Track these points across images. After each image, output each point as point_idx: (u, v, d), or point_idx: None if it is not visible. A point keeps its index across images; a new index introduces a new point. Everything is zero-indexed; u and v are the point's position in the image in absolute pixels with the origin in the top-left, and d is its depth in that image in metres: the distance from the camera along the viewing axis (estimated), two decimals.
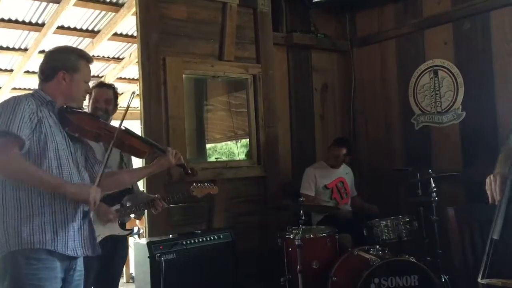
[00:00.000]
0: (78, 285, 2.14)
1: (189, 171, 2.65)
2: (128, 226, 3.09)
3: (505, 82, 3.99)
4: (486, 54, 4.09)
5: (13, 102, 2.00)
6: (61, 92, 2.15)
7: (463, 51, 4.26)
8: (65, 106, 2.17)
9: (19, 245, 1.92)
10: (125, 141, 2.29)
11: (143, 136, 2.76)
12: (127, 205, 2.95)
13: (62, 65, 2.14)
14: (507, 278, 2.00)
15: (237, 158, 4.81)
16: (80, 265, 2.14)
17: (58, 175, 2.04)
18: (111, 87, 3.12)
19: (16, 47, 5.88)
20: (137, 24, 3.86)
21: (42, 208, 1.98)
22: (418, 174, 3.89)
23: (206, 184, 3.19)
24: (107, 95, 3.02)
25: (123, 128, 2.27)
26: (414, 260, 3.29)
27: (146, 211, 3.24)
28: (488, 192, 2.14)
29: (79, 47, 5.97)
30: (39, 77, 2.19)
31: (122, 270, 3.37)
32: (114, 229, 2.92)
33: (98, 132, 2.22)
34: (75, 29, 5.56)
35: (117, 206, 2.89)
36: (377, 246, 3.49)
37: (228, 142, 5.06)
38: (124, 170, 2.89)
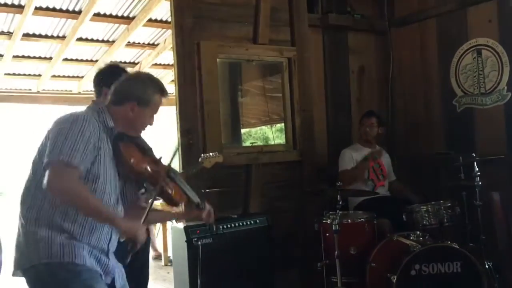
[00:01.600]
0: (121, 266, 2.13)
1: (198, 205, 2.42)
2: None
3: None
4: None
5: (80, 126, 1.90)
6: (125, 119, 2.06)
7: (509, 29, 4.06)
8: (121, 132, 2.07)
9: (61, 257, 1.86)
10: (165, 189, 2.12)
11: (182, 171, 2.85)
12: (151, 188, 2.95)
13: (137, 97, 2.04)
14: None
15: (272, 142, 4.78)
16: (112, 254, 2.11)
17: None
18: None
19: (55, 35, 6.00)
20: (171, 10, 3.85)
21: (84, 224, 1.93)
22: (460, 158, 3.76)
23: (211, 153, 3.33)
24: None
25: (168, 170, 2.14)
26: (456, 246, 3.19)
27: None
28: None
29: (114, 33, 6.08)
30: (111, 94, 2.09)
31: (149, 253, 3.42)
32: None
33: (143, 172, 2.11)
34: (110, 15, 5.62)
35: (142, 190, 2.90)
36: (418, 232, 3.40)
37: (263, 127, 5.03)
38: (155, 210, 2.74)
